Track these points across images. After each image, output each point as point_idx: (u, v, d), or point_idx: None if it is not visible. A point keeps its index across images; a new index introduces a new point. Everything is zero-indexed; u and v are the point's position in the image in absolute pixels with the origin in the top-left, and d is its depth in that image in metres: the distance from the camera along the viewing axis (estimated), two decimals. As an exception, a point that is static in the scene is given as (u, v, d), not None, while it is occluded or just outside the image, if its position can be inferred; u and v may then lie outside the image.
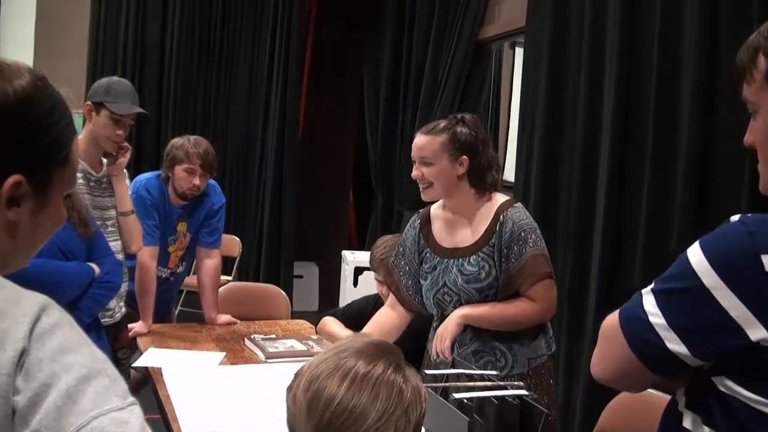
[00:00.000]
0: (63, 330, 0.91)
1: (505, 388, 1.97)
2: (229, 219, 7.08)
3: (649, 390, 2.59)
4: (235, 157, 7.11)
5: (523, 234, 2.34)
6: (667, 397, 2.44)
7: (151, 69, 6.60)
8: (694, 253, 1.13)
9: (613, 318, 1.26)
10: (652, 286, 1.20)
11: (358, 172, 7.44)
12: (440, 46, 5.36)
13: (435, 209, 2.58)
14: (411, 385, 1.18)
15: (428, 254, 2.53)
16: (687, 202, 3.00)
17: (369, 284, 4.63)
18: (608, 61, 3.52)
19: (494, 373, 2.15)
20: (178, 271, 3.61)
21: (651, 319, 1.16)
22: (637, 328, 1.19)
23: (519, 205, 2.45)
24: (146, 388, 2.76)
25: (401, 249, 2.63)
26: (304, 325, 3.68)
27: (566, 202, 3.78)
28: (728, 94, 2.90)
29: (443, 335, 2.37)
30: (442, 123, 2.45)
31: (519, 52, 5.78)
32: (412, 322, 2.63)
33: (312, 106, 6.97)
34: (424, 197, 2.48)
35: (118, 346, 3.05)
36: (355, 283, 4.98)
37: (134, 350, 3.18)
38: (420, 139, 2.43)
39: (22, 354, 0.87)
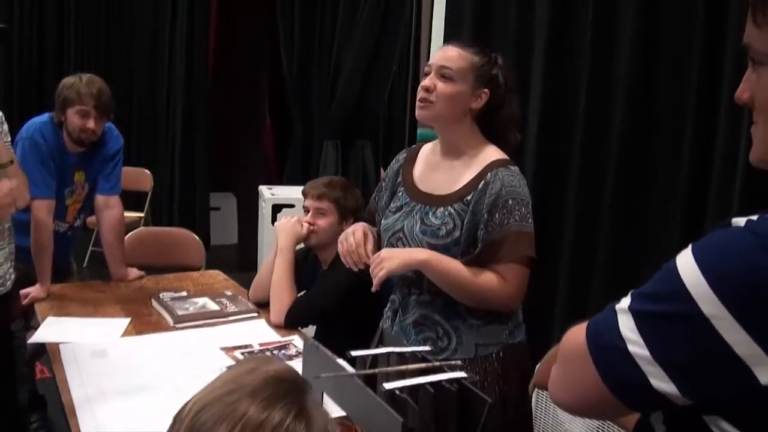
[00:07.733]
0: None
1: (441, 369, 1.76)
2: (140, 152, 6.72)
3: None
4: (142, 86, 6.69)
5: (510, 202, 1.97)
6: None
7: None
8: (687, 268, 0.85)
9: (578, 337, 0.97)
10: (629, 301, 0.91)
11: (275, 101, 7.04)
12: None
13: (426, 149, 2.23)
14: None
15: (401, 193, 2.20)
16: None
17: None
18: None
19: (427, 348, 1.91)
20: (76, 224, 3.27)
21: (630, 348, 0.89)
22: (612, 359, 0.91)
23: (515, 168, 2.05)
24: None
25: (381, 184, 2.32)
26: (218, 277, 3.43)
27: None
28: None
29: (383, 262, 1.98)
30: (477, 47, 2.13)
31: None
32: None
33: (222, 31, 6.55)
34: (420, 114, 2.08)
35: (12, 318, 2.73)
36: (273, 221, 4.70)
37: (30, 318, 2.87)
38: (450, 51, 2.08)
39: None
